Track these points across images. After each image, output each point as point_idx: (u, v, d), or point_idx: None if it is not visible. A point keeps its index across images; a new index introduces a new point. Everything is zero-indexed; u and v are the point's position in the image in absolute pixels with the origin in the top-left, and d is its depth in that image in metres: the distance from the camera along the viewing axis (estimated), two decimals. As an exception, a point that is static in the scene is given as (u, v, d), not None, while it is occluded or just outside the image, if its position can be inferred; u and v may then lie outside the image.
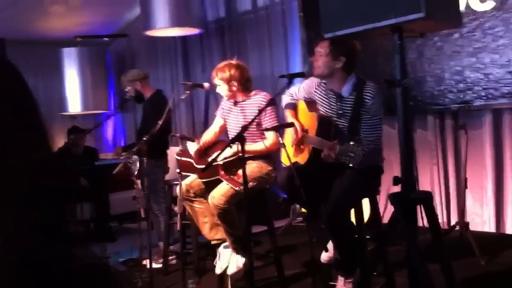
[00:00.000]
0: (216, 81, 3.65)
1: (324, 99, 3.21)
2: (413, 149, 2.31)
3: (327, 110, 3.18)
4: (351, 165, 2.49)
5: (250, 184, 3.20)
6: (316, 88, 3.28)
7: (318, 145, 2.96)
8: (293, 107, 3.46)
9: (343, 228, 3.00)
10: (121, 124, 8.81)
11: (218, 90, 3.70)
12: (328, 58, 3.05)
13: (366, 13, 2.19)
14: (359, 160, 2.46)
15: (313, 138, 3.07)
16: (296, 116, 3.41)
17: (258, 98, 3.62)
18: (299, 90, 3.44)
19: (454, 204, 4.98)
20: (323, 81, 3.23)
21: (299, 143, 3.26)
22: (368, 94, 2.99)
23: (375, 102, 2.98)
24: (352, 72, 3.11)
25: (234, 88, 3.62)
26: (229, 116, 3.76)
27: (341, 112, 3.08)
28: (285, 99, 3.52)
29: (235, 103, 3.71)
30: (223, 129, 3.87)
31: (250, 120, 3.52)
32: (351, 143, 2.55)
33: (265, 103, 3.51)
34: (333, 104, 3.15)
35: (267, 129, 3.40)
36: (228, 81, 3.60)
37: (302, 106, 3.41)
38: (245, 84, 3.64)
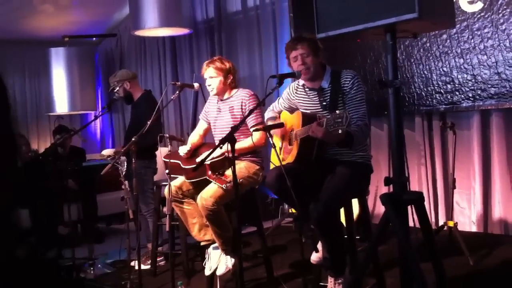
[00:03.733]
0: (211, 72, 3.61)
1: (305, 99, 3.24)
2: (405, 149, 2.31)
3: (311, 108, 3.20)
4: (340, 131, 2.50)
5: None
6: (295, 94, 3.31)
7: (305, 132, 2.96)
8: (275, 119, 3.50)
9: (333, 227, 2.99)
10: (109, 124, 8.75)
11: (209, 82, 3.65)
12: (314, 57, 3.09)
13: (360, 13, 2.19)
14: (347, 121, 2.48)
15: (300, 130, 3.07)
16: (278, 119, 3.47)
17: (241, 94, 3.62)
18: (278, 102, 3.50)
19: (442, 204, 5.00)
20: (299, 84, 3.27)
21: (289, 142, 3.26)
22: (346, 78, 3.08)
23: (354, 83, 3.06)
24: (325, 64, 3.19)
25: (229, 81, 3.61)
26: (213, 115, 3.74)
27: (324, 103, 3.12)
28: (267, 114, 3.58)
29: (220, 100, 3.70)
30: (207, 132, 3.88)
31: (234, 117, 3.53)
32: (337, 111, 2.57)
33: (247, 99, 3.54)
34: (315, 100, 3.18)
35: (257, 130, 3.38)
36: (227, 73, 3.59)
37: (284, 113, 3.46)
38: (236, 81, 3.67)
